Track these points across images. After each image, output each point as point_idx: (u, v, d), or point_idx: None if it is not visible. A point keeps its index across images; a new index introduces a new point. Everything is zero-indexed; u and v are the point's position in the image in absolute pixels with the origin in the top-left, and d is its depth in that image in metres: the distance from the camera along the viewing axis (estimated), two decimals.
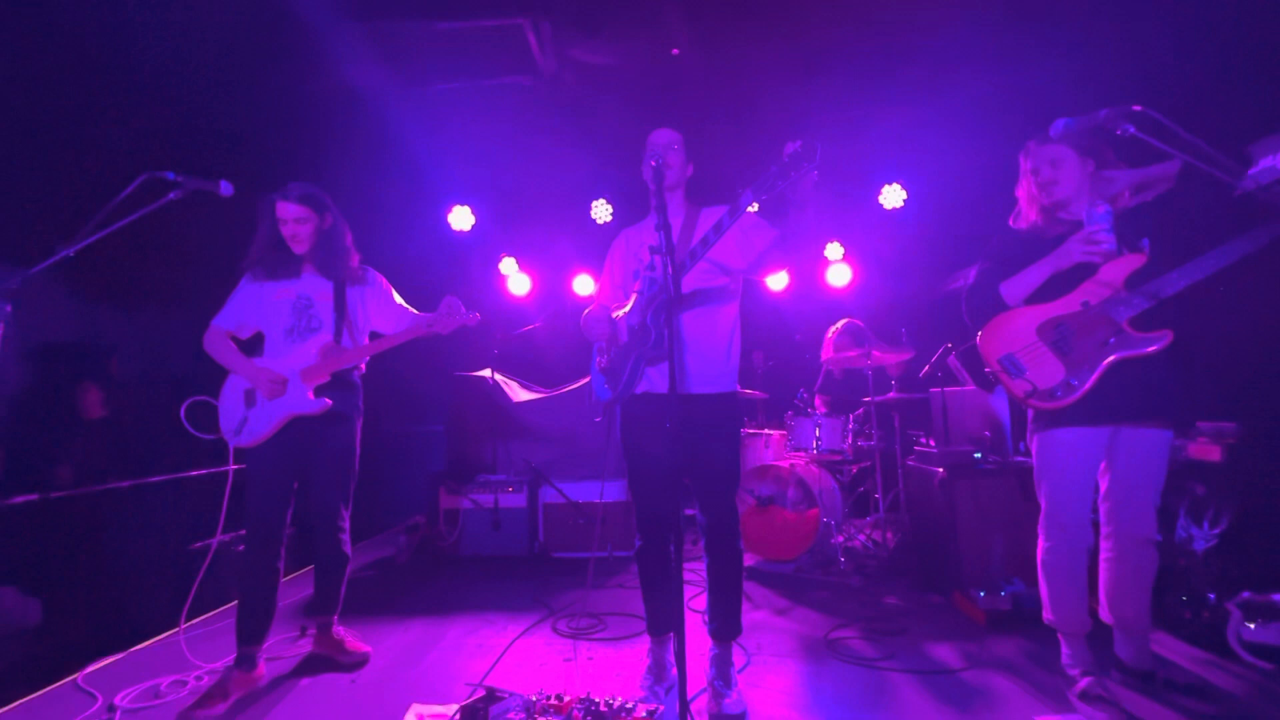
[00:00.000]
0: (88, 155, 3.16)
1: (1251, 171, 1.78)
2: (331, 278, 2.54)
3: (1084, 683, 2.04)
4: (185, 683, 2.38)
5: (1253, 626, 2.29)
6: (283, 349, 2.47)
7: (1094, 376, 2.00)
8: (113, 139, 3.22)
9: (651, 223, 2.29)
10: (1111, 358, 1.99)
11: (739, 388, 2.27)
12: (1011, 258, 2.17)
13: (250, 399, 2.45)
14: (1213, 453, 2.62)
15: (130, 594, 3.10)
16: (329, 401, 2.45)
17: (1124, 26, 3.20)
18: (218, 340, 2.50)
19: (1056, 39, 3.44)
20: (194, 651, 2.52)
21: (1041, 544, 2.15)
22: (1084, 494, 2.08)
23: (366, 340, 2.65)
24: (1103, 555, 2.15)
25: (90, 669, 2.52)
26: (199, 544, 3.24)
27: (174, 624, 2.86)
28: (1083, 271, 2.05)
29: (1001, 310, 2.17)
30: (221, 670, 2.37)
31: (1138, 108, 1.56)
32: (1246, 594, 2.35)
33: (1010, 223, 2.30)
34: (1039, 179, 2.14)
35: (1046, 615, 2.16)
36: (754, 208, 2.12)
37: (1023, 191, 2.23)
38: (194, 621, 2.99)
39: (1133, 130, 1.58)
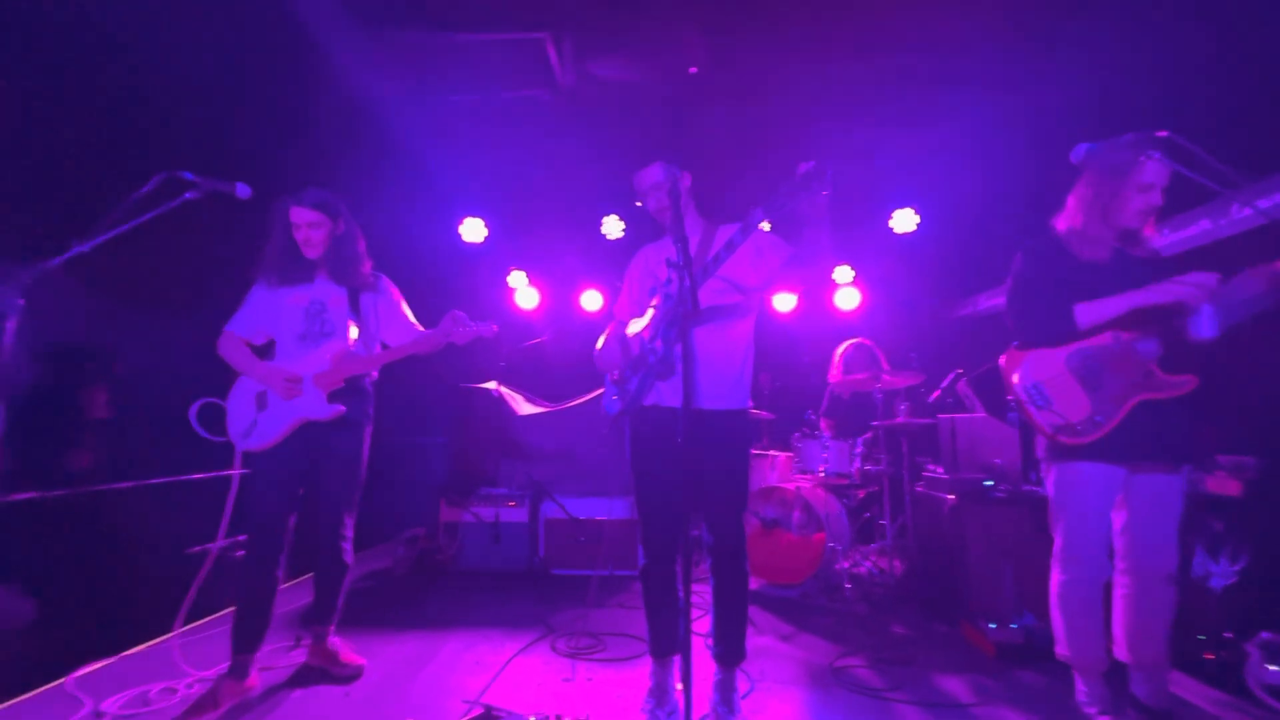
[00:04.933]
0: (103, 155, 3.18)
1: (1266, 204, 1.75)
2: (345, 284, 2.54)
3: None
4: (175, 690, 2.33)
5: (1272, 669, 2.22)
6: (295, 354, 2.46)
7: (1120, 415, 1.95)
8: (129, 141, 3.25)
9: (669, 240, 2.28)
10: (1138, 397, 1.95)
11: (750, 405, 2.24)
12: (1052, 269, 2.07)
13: (261, 402, 2.43)
14: (1232, 487, 2.57)
15: (125, 597, 3.05)
16: (342, 407, 2.43)
17: (1139, 51, 3.21)
18: (232, 345, 2.50)
19: (1069, 64, 3.45)
20: (187, 659, 2.47)
21: (1057, 577, 2.08)
22: (1101, 527, 2.02)
23: (378, 348, 2.64)
24: (1118, 592, 2.09)
25: (80, 673, 2.48)
26: (197, 549, 3.20)
27: (168, 629, 2.81)
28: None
29: (1074, 334, 2.02)
30: (213, 679, 2.32)
31: (1164, 133, 1.55)
32: (1266, 635, 2.29)
33: (1055, 223, 2.16)
34: (1147, 197, 1.95)
35: (1060, 651, 2.10)
36: (767, 226, 2.12)
37: (1102, 196, 2.01)
38: (189, 627, 2.94)
39: (1158, 156, 1.56)
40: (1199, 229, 3.21)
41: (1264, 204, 1.91)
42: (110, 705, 2.21)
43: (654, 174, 2.17)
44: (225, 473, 2.42)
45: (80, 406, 3.48)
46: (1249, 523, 2.48)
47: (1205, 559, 2.55)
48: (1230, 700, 2.28)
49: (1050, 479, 2.11)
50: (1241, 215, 3.04)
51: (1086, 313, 1.98)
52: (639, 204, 2.03)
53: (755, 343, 2.24)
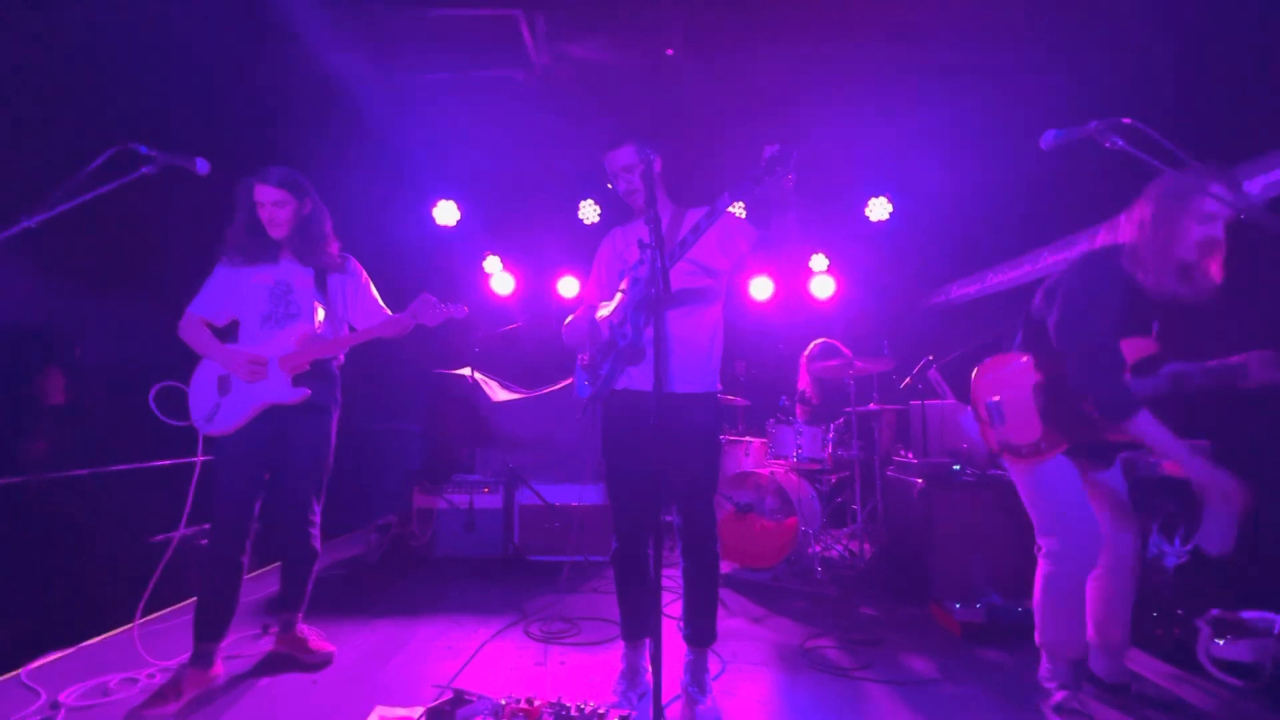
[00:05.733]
0: (56, 126, 3.04)
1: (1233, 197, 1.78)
2: (311, 264, 2.48)
3: (1059, 696, 2.03)
4: (136, 680, 2.27)
5: (1221, 643, 2.31)
6: (259, 336, 2.40)
7: (1063, 447, 2.02)
8: (84, 111, 3.12)
9: (639, 223, 2.27)
10: (1087, 439, 2.00)
11: (720, 389, 2.25)
12: (1118, 290, 1.90)
13: (224, 386, 2.37)
14: None
15: (84, 587, 2.97)
16: (307, 391, 2.39)
17: (1107, 48, 3.27)
18: (193, 327, 2.43)
19: (1042, 57, 3.50)
20: (148, 648, 2.40)
21: (1045, 568, 2.08)
22: (1080, 508, 2.03)
23: (346, 331, 2.58)
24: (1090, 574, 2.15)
25: (36, 664, 2.40)
26: (159, 537, 3.12)
27: (128, 619, 2.74)
28: (1125, 334, 1.96)
29: (1121, 420, 1.85)
30: (175, 668, 2.27)
31: (1127, 121, 1.57)
32: (1215, 611, 2.38)
33: (1120, 260, 1.93)
34: (1209, 229, 1.78)
35: (1041, 638, 2.11)
36: (739, 209, 2.11)
37: (1162, 233, 1.83)
38: (151, 617, 2.88)
39: (1121, 144, 1.59)
40: None
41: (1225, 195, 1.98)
42: (68, 696, 2.15)
43: (626, 155, 2.14)
44: (187, 460, 2.35)
45: (34, 392, 3.36)
46: (1201, 504, 2.57)
47: (1159, 539, 2.64)
48: (1183, 675, 2.37)
49: (1022, 478, 2.13)
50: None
51: (1143, 425, 1.81)
52: (609, 185, 2.00)
53: (725, 327, 2.24)
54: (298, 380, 2.39)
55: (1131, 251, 1.90)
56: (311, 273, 2.48)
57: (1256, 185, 2.96)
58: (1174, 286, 1.83)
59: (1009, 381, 2.14)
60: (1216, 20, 2.87)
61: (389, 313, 2.61)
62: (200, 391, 2.40)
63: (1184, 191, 1.80)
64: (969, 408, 2.29)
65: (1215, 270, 1.83)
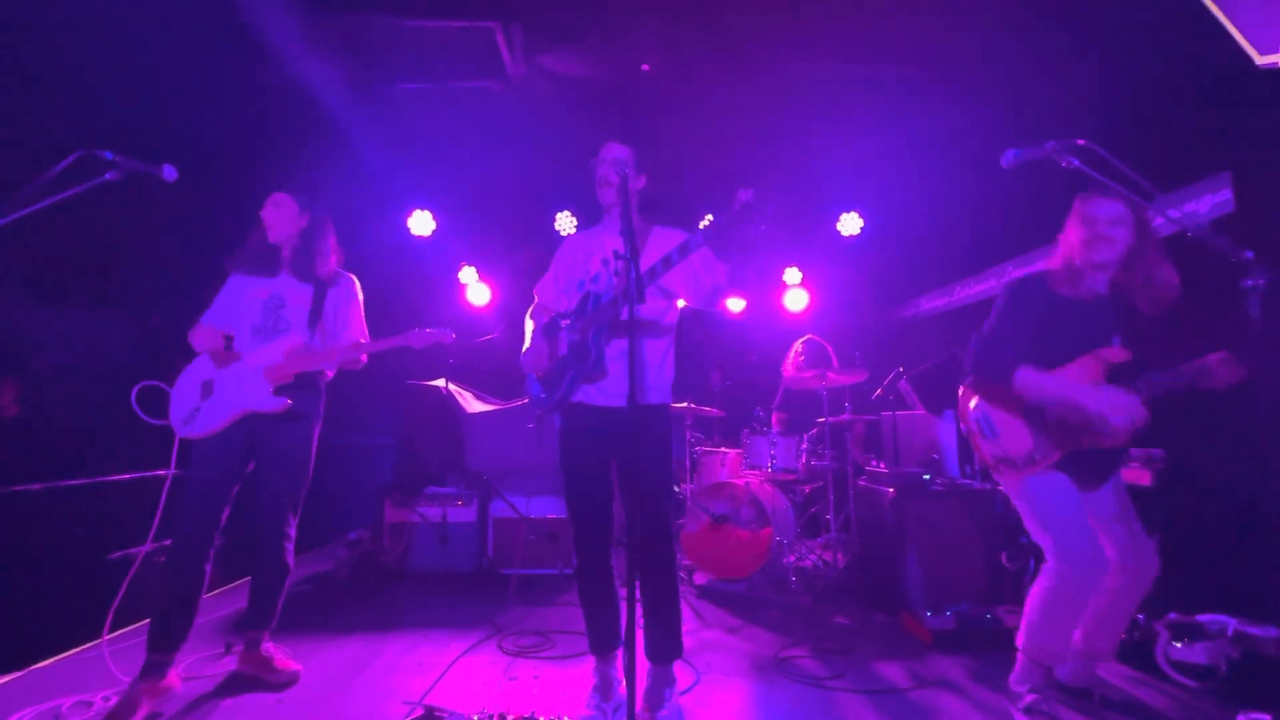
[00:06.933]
0: (20, 135, 2.96)
1: (1175, 214, 1.89)
2: (308, 279, 2.52)
3: (1029, 699, 2.07)
4: (91, 704, 2.18)
5: (1179, 646, 2.38)
6: (248, 346, 2.44)
7: (1055, 457, 2.06)
8: (46, 119, 3.04)
9: (601, 231, 2.29)
10: (1076, 444, 2.04)
11: (672, 401, 2.28)
12: (1034, 309, 2.10)
13: (207, 390, 2.39)
14: (1144, 477, 2.75)
15: (37, 607, 2.85)
16: (287, 401, 2.39)
17: (1065, 72, 3.40)
18: (204, 334, 2.48)
19: (1004, 79, 3.62)
20: (105, 670, 2.32)
21: (1045, 581, 2.08)
22: (1077, 529, 2.04)
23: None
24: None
25: None
26: (118, 554, 3.02)
27: (82, 641, 2.65)
28: (1077, 348, 2.07)
29: (1006, 387, 2.05)
30: (126, 685, 2.18)
31: (1082, 142, 1.64)
32: (1173, 615, 2.45)
33: (1047, 264, 2.18)
34: (1096, 229, 2.02)
35: (1024, 641, 2.12)
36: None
37: (1067, 239, 2.12)
38: (110, 637, 2.77)
39: (1077, 163, 1.66)
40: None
41: (1174, 214, 2.05)
42: None
43: (621, 151, 2.20)
44: (150, 474, 2.29)
45: None
46: (1158, 510, 2.66)
47: None
48: (1142, 677, 2.44)
49: (1016, 492, 2.16)
50: (1156, 223, 3.26)
51: (1027, 380, 2.00)
52: (589, 163, 2.04)
53: (701, 340, 2.28)
54: (280, 390, 2.39)
55: (1058, 269, 2.11)
56: (310, 289, 2.51)
57: (1205, 205, 3.11)
58: (1069, 288, 2.05)
59: (993, 394, 2.18)
60: (1166, 48, 3.02)
61: (366, 334, 2.65)
62: (182, 394, 2.42)
63: (1080, 208, 2.08)
64: (939, 418, 2.34)
65: (1092, 278, 2.07)
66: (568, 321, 2.21)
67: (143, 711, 2.07)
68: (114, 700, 2.17)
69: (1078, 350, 2.08)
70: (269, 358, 2.40)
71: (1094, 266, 2.06)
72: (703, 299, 2.13)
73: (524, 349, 2.32)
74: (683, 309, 2.31)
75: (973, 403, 2.25)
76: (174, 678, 2.24)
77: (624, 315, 1.90)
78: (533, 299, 2.47)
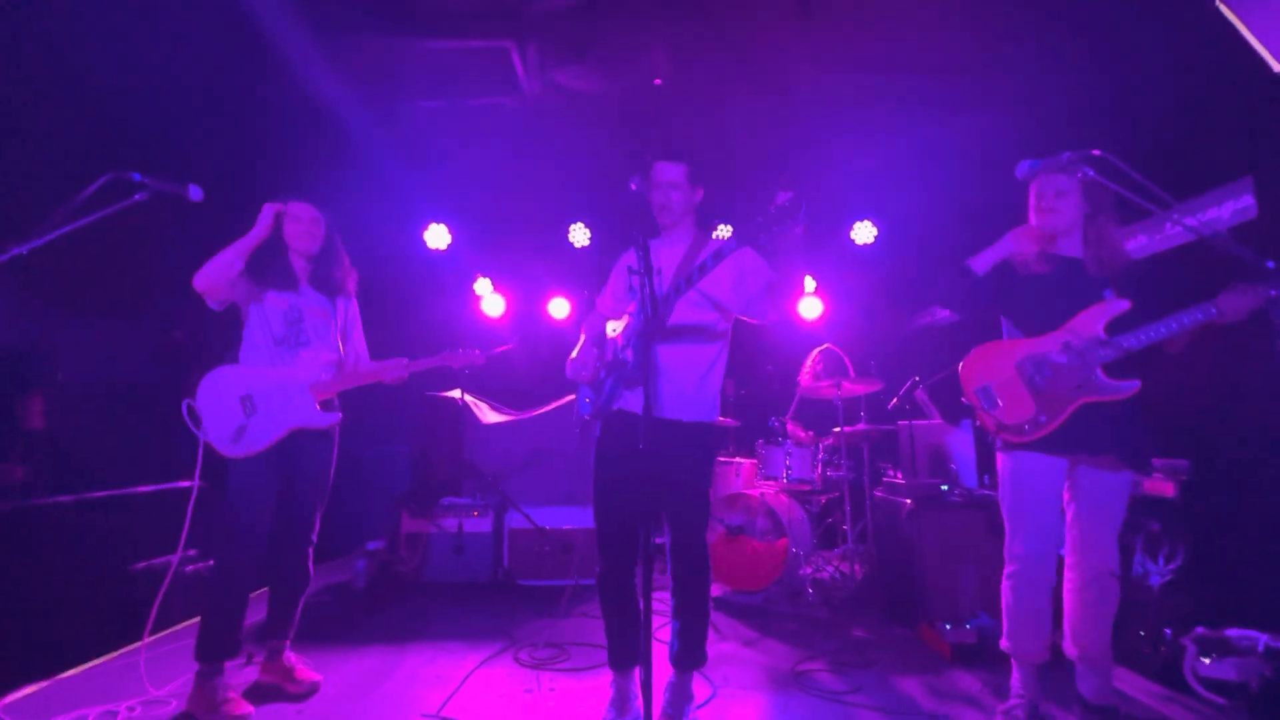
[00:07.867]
0: (49, 154, 3.06)
1: (1192, 222, 1.87)
2: (328, 292, 2.57)
3: (1010, 702, 2.10)
4: (116, 713, 2.22)
5: (1207, 661, 2.33)
6: (273, 358, 2.43)
7: (1062, 417, 2.05)
8: (77, 141, 3.13)
9: (660, 244, 2.28)
10: (1081, 400, 2.04)
11: (717, 419, 2.25)
12: (1004, 284, 2.22)
13: (249, 406, 2.36)
14: (1167, 489, 2.70)
15: (64, 617, 2.90)
16: (339, 415, 2.47)
17: (1080, 76, 3.38)
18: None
19: (1020, 88, 3.61)
20: (132, 680, 2.35)
21: (1006, 566, 2.17)
22: (1046, 517, 2.10)
23: (353, 359, 2.67)
24: (1066, 585, 2.18)
25: (10, 698, 2.34)
26: (142, 565, 3.07)
27: (108, 650, 2.69)
28: (1068, 309, 2.10)
29: (967, 280, 2.22)
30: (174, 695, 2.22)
31: (1097, 152, 1.64)
32: (1200, 629, 2.40)
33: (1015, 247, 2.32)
34: (1041, 203, 2.16)
35: (1004, 643, 2.17)
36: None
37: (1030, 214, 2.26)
38: (132, 647, 2.81)
39: (1092, 174, 1.65)
40: (1136, 244, 3.41)
41: (1191, 221, 2.03)
42: None
43: (675, 172, 2.17)
44: (172, 485, 2.33)
45: (14, 416, 3.31)
46: (1183, 523, 2.61)
47: (1144, 558, 2.67)
48: (1171, 694, 2.38)
49: (1001, 470, 2.20)
50: (1174, 231, 3.23)
51: (979, 262, 2.21)
52: (633, 186, 1.90)
53: (726, 360, 2.26)
54: (324, 406, 2.47)
55: (1018, 254, 2.25)
56: (326, 301, 2.56)
57: (1226, 210, 3.06)
58: (1037, 263, 2.17)
59: (994, 365, 2.19)
60: (1185, 54, 2.99)
61: (366, 351, 2.73)
62: (220, 411, 2.35)
63: (1032, 185, 2.21)
64: (956, 428, 2.33)
65: (1053, 245, 2.19)
66: (618, 333, 2.23)
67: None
68: (140, 711, 2.21)
69: (1069, 312, 2.10)
70: (313, 373, 2.44)
71: (1049, 235, 2.18)
72: (753, 306, 2.14)
73: (570, 357, 2.34)
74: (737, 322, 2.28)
75: (970, 380, 2.24)
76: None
77: (665, 315, 1.90)
78: (547, 311, 2.50)
